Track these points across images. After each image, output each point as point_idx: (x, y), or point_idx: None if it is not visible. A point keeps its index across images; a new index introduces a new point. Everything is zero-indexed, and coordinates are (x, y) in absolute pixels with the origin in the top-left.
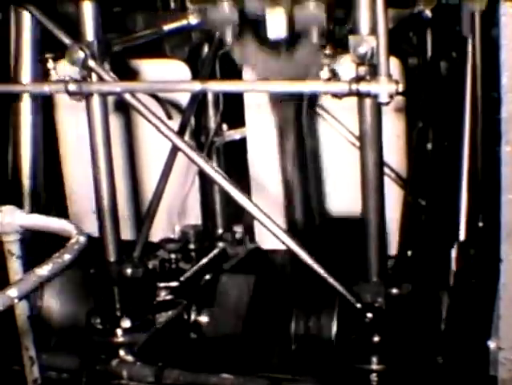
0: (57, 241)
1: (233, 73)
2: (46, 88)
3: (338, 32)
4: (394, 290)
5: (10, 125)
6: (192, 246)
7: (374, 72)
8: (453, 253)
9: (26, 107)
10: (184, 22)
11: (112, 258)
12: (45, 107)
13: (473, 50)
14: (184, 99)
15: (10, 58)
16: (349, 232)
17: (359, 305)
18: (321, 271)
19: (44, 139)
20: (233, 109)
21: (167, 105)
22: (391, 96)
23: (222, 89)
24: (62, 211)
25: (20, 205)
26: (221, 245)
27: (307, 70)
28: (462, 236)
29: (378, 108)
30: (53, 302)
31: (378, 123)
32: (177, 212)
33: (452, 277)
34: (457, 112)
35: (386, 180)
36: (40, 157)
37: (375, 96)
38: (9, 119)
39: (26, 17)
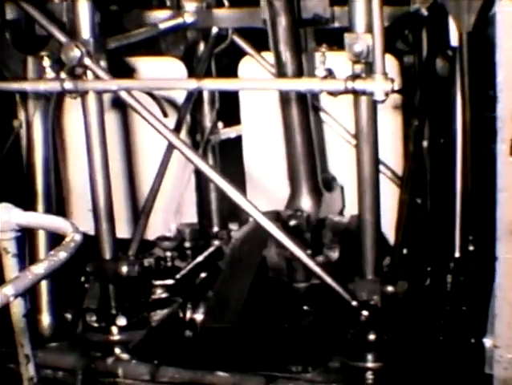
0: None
1: (229, 71)
2: (41, 86)
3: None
4: (389, 288)
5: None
6: (187, 244)
7: (370, 70)
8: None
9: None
10: (179, 21)
11: (108, 256)
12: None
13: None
14: (179, 97)
15: None
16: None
17: (354, 303)
18: (316, 269)
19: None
20: (228, 107)
21: (163, 103)
22: (386, 94)
23: (218, 87)
24: (58, 209)
25: (17, 203)
26: (216, 243)
27: None
28: (457, 233)
29: (374, 106)
30: None
31: (374, 121)
32: (173, 211)
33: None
34: (452, 110)
35: (382, 177)
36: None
37: (370, 94)
38: (8, 119)
39: None
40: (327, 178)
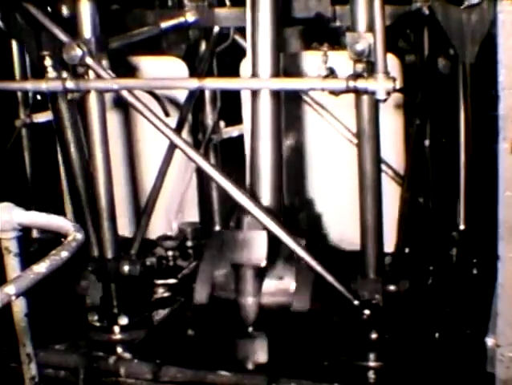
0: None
1: (231, 70)
2: (43, 85)
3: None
4: (391, 287)
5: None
6: (189, 243)
7: (371, 69)
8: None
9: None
10: (181, 20)
11: (110, 255)
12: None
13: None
14: (181, 96)
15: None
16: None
17: (356, 302)
18: (318, 268)
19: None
20: (230, 106)
21: (164, 102)
22: (388, 93)
23: (219, 86)
24: (59, 208)
25: (18, 203)
26: None
27: None
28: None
29: (375, 105)
30: None
31: (375, 120)
32: (175, 210)
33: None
34: (454, 109)
35: (383, 176)
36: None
37: (372, 93)
38: (8, 121)
39: None
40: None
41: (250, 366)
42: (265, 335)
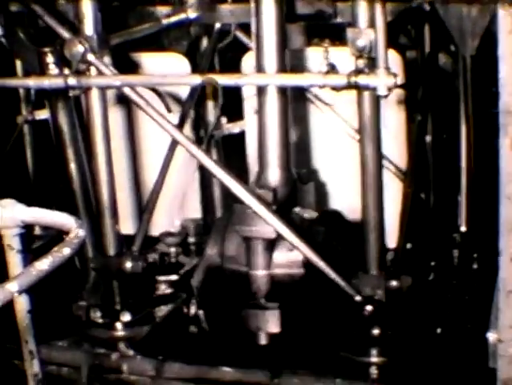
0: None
1: (233, 66)
2: (45, 82)
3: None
4: (394, 283)
5: None
6: (191, 240)
7: (373, 65)
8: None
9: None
10: (183, 16)
11: (112, 252)
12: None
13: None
14: (183, 93)
15: None
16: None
17: (358, 298)
18: (321, 263)
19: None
20: (232, 102)
21: (166, 98)
22: (389, 89)
23: (221, 82)
24: (61, 205)
25: (20, 199)
26: None
27: None
28: (463, 228)
29: (377, 101)
30: None
31: (377, 116)
32: (177, 206)
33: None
34: (455, 105)
35: (385, 172)
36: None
37: (373, 89)
38: (10, 117)
39: None
40: (303, 172)
41: (263, 337)
42: (277, 306)
